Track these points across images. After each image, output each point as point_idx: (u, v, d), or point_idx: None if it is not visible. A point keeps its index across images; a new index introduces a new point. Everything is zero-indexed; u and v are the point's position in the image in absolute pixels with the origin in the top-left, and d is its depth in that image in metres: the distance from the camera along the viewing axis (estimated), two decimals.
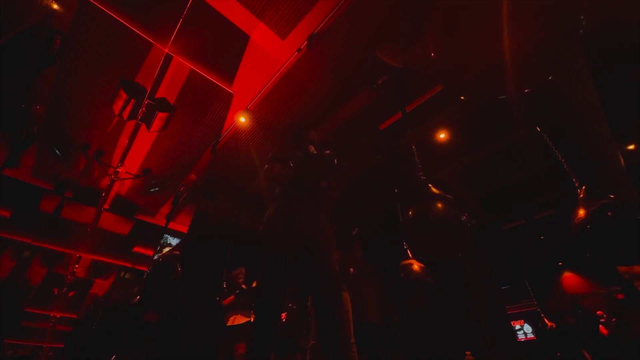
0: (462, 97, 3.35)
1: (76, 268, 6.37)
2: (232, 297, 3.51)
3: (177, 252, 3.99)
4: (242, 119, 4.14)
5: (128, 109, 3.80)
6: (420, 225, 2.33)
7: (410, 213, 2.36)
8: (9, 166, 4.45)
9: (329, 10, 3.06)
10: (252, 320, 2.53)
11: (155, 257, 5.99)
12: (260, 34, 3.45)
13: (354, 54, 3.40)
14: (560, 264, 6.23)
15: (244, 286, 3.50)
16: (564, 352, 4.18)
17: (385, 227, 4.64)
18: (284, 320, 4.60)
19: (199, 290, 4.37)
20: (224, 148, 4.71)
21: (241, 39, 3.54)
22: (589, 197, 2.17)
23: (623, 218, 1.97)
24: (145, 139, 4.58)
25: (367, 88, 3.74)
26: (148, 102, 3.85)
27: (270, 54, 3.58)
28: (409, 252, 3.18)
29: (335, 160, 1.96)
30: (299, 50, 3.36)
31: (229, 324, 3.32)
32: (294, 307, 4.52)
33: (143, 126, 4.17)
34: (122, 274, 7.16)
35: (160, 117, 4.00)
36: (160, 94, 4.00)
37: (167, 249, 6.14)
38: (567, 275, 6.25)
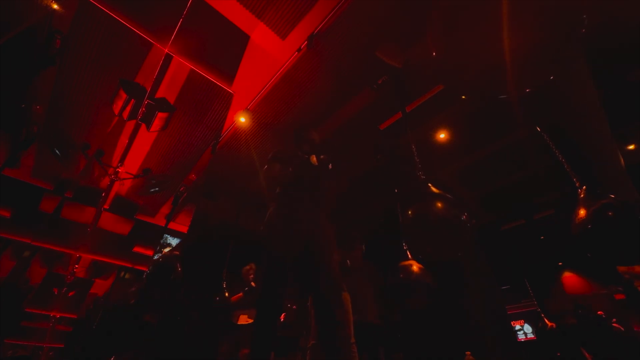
0: (463, 97, 3.35)
1: (76, 268, 6.37)
2: (241, 294, 3.47)
3: (177, 252, 3.99)
4: (242, 119, 4.14)
5: (128, 109, 3.80)
6: (420, 225, 2.33)
7: (410, 213, 2.36)
8: (9, 166, 4.45)
9: (329, 10, 3.06)
10: None
11: (156, 257, 5.99)
12: (260, 34, 3.45)
13: (354, 54, 3.40)
14: (560, 264, 6.24)
15: (253, 284, 3.45)
16: (564, 352, 4.18)
17: (385, 227, 4.64)
18: (282, 320, 4.60)
19: (199, 290, 4.37)
20: (224, 148, 4.71)
21: (241, 39, 3.54)
22: (589, 197, 2.17)
23: (623, 218, 1.97)
24: (145, 139, 4.58)
25: (367, 88, 3.74)
26: (148, 102, 3.85)
27: (270, 54, 3.58)
28: (408, 252, 3.18)
29: (330, 165, 1.96)
30: (299, 50, 3.36)
31: (237, 322, 3.30)
32: (294, 307, 4.52)
33: (143, 126, 4.17)
34: (122, 274, 7.16)
35: (160, 117, 4.00)
36: (160, 94, 4.00)
37: (167, 249, 6.14)
38: (567, 275, 6.25)
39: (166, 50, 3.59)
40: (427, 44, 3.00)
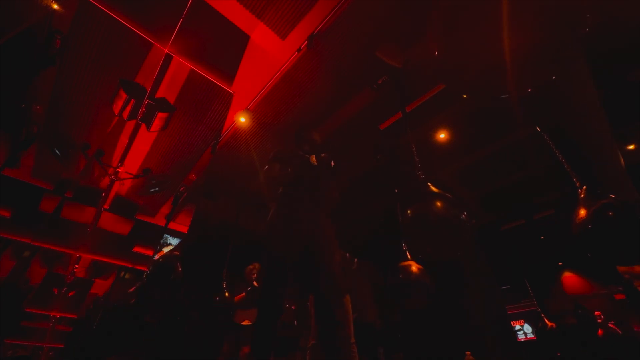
0: (464, 96, 3.35)
1: (76, 268, 6.37)
2: (243, 294, 3.47)
3: (177, 253, 3.99)
4: (242, 119, 4.14)
5: (128, 109, 3.80)
6: (420, 225, 2.33)
7: (409, 213, 2.36)
8: (9, 166, 4.45)
9: (329, 10, 3.06)
10: None
11: (156, 257, 5.99)
12: (260, 34, 3.44)
13: (354, 54, 3.40)
14: (560, 264, 6.24)
15: (255, 283, 3.45)
16: (564, 352, 4.18)
17: (385, 227, 4.64)
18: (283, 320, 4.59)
19: (199, 290, 4.37)
20: (224, 148, 4.71)
21: (241, 39, 3.54)
22: (589, 197, 2.17)
23: (623, 218, 1.97)
24: (145, 139, 4.58)
25: (367, 88, 3.74)
26: (148, 102, 3.85)
27: (270, 54, 3.58)
28: (407, 253, 3.18)
29: (332, 163, 1.96)
30: (299, 50, 3.36)
31: (239, 322, 3.31)
32: (294, 307, 4.52)
33: (143, 126, 4.16)
34: (122, 274, 7.16)
35: (160, 117, 4.00)
36: (160, 94, 4.00)
37: (167, 249, 6.14)
38: (567, 275, 6.25)
39: (166, 50, 3.59)
40: (427, 44, 3.00)
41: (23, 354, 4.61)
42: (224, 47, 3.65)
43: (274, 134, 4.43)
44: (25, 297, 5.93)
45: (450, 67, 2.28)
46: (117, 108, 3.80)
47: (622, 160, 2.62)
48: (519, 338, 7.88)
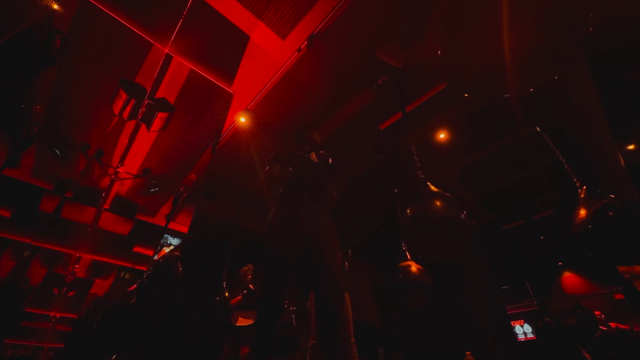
0: (465, 94, 3.35)
1: (76, 268, 6.37)
2: (240, 297, 3.47)
3: (177, 253, 3.98)
4: (242, 119, 4.14)
5: (128, 109, 3.80)
6: (420, 225, 2.33)
7: (409, 212, 2.36)
8: (9, 166, 4.45)
9: (329, 10, 3.06)
10: None
11: (156, 258, 5.99)
12: (260, 34, 3.44)
13: (354, 54, 3.40)
14: (560, 264, 6.23)
15: (251, 286, 3.46)
16: (564, 352, 4.18)
17: (385, 227, 4.64)
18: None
19: (199, 290, 4.37)
20: (224, 148, 4.71)
21: (241, 39, 3.54)
22: (589, 197, 2.17)
23: (623, 218, 1.97)
24: (145, 139, 4.58)
25: (367, 88, 3.74)
26: (148, 102, 3.85)
27: (270, 54, 3.58)
28: (407, 253, 3.18)
29: (330, 160, 1.96)
30: (299, 50, 3.36)
31: (236, 323, 3.31)
32: (293, 307, 4.52)
33: (143, 126, 4.17)
34: (122, 274, 7.16)
35: (160, 117, 4.00)
36: (160, 94, 4.00)
37: (167, 249, 6.14)
38: (567, 275, 6.25)
39: (166, 50, 3.59)
40: (427, 44, 3.00)
41: (23, 354, 4.61)
42: (224, 47, 3.65)
43: (274, 134, 4.43)
44: (25, 297, 5.92)
45: (451, 67, 2.28)
46: (117, 108, 3.80)
47: (622, 160, 2.62)
48: (519, 338, 7.88)
